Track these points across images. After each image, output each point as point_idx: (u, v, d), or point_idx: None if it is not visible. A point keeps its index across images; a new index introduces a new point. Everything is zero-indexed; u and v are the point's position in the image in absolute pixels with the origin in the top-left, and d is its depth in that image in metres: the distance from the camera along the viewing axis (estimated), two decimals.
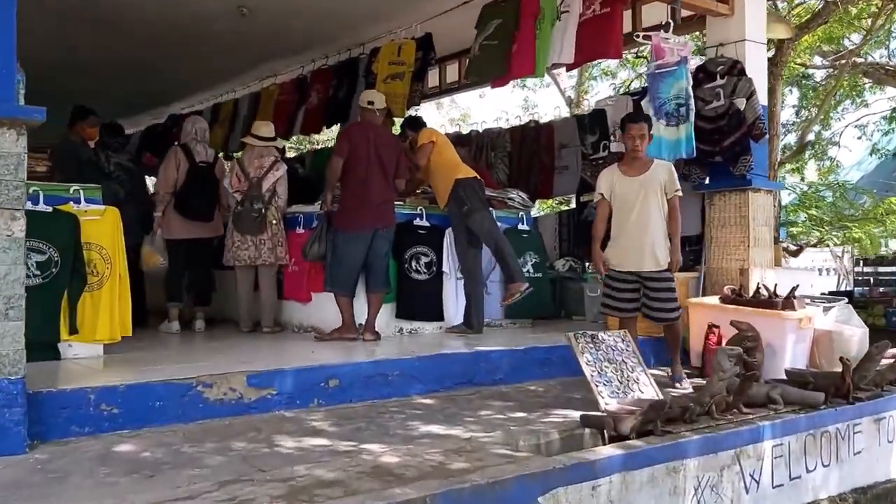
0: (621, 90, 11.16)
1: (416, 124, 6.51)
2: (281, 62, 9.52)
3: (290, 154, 14.07)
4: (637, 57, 12.08)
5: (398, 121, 7.75)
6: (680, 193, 4.72)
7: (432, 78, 9.21)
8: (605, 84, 15.31)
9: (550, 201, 12.14)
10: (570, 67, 6.59)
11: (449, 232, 6.08)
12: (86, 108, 6.48)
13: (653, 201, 4.63)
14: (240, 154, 6.34)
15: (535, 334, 5.93)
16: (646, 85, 6.44)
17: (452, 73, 9.24)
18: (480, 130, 8.78)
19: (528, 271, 6.45)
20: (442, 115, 18.58)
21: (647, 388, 4.51)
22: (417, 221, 6.03)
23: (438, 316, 6.06)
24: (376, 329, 5.56)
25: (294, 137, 11.62)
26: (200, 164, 6.24)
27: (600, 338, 4.55)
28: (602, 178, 4.83)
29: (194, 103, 11.85)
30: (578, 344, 4.44)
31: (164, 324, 6.21)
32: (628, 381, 4.46)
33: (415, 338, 5.86)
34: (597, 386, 4.32)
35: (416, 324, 5.99)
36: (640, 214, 4.64)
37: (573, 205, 8.44)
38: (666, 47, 5.90)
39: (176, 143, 6.43)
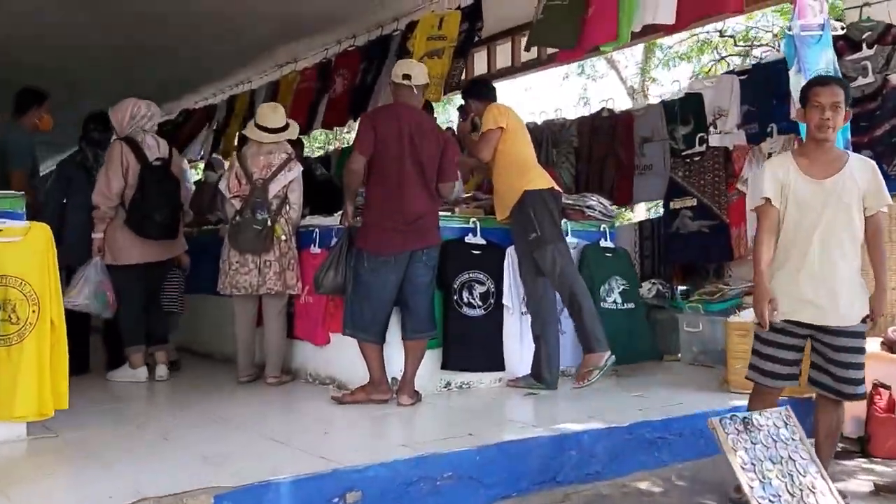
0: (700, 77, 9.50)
1: (481, 92, 4.82)
2: (303, 43, 8.09)
3: (316, 154, 12.69)
4: (723, 36, 10.39)
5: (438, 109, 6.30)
6: (886, 208, 3.11)
7: (478, 62, 7.71)
8: (679, 72, 13.13)
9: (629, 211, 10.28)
10: (669, 30, 5.04)
11: (511, 251, 4.58)
12: (39, 90, 5.11)
13: (844, 218, 3.01)
14: (243, 149, 4.88)
15: (632, 393, 4.34)
16: (767, 58, 4.89)
17: (502, 55, 7.73)
18: (539, 122, 7.24)
19: (614, 302, 4.91)
20: None
21: (826, 501, 2.96)
22: (470, 238, 4.52)
23: (498, 364, 4.54)
24: (416, 388, 4.08)
25: (319, 134, 10.22)
26: (155, 163, 4.76)
27: (756, 423, 3.01)
28: (767, 172, 3.15)
29: (207, 95, 10.50)
30: (727, 436, 2.91)
31: (123, 371, 4.81)
32: (801, 490, 2.92)
33: (468, 396, 4.34)
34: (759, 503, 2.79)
35: (469, 375, 4.49)
36: (827, 237, 3.03)
37: (660, 212, 6.85)
38: (808, 5, 4.33)
39: (116, 138, 4.87)
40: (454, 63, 6.28)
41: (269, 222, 4.59)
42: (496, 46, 7.61)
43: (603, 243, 4.98)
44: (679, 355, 5.41)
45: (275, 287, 4.63)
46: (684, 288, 5.81)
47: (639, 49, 12.59)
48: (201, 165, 11.64)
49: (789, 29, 4.15)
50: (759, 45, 10.69)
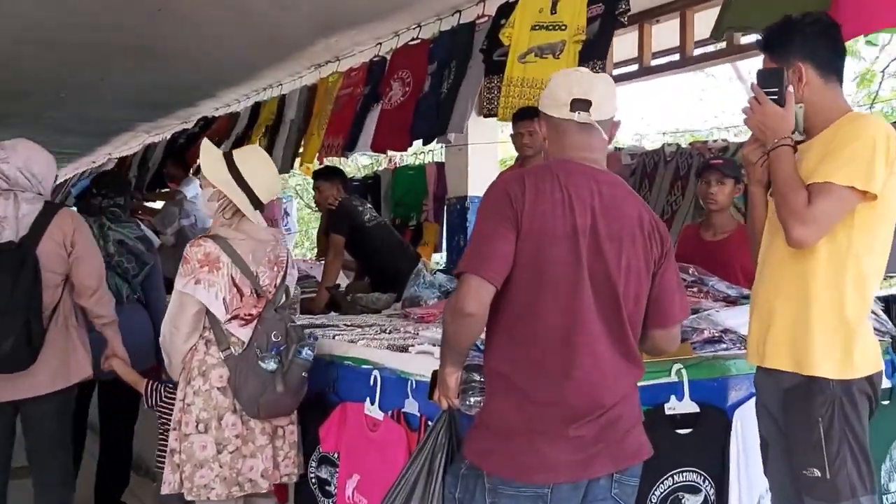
0: None
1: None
2: (348, 37, 6.03)
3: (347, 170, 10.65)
4: None
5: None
6: None
7: (620, 48, 5.12)
8: None
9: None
10: None
11: (740, 415, 2.46)
12: None
13: None
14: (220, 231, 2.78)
15: None
16: None
17: (668, 35, 5.05)
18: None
19: None
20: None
21: None
22: (673, 406, 2.40)
23: None
24: None
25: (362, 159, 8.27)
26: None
27: None
28: None
29: (230, 102, 8.51)
30: None
31: None
32: None
33: None
34: None
35: None
36: None
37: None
38: None
39: None
40: (587, 65, 4.16)
41: (289, 364, 2.59)
42: (652, 28, 5.03)
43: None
44: None
45: (291, 471, 2.67)
46: None
47: None
48: None
49: None
50: None
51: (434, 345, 2.44)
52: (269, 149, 7.08)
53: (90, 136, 10.89)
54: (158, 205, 7.17)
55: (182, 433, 2.59)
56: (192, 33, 5.82)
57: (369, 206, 5.02)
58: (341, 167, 6.33)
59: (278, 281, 2.70)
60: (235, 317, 2.59)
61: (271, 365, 2.52)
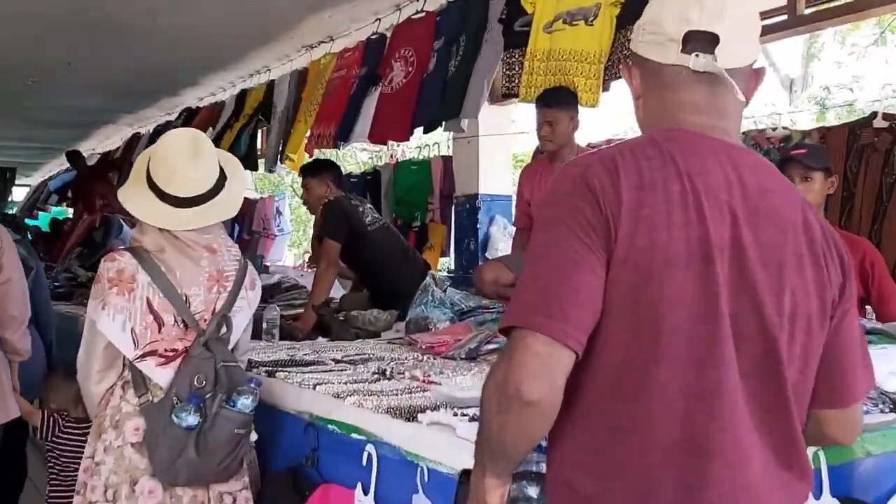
0: None
1: None
2: (343, 11, 5.26)
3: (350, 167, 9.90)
4: None
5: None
6: None
7: None
8: None
9: None
10: None
11: None
12: None
13: None
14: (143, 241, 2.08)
15: None
16: None
17: None
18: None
19: None
20: None
21: None
22: None
23: None
24: None
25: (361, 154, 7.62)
26: None
27: None
28: None
29: (215, 90, 7.74)
30: None
31: None
32: None
33: None
34: None
35: None
36: None
37: None
38: None
39: None
40: (619, 34, 3.42)
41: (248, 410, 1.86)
42: None
43: None
44: None
45: None
46: None
47: None
48: None
49: None
50: None
51: (456, 411, 1.69)
52: (254, 141, 6.35)
53: (70, 128, 10.16)
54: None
55: (86, 500, 1.92)
56: (168, 7, 5.07)
57: (369, 205, 4.22)
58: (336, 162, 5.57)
59: (217, 305, 1.97)
60: (151, 353, 1.89)
61: (188, 419, 1.81)
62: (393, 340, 3.26)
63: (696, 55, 1.17)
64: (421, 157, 6.51)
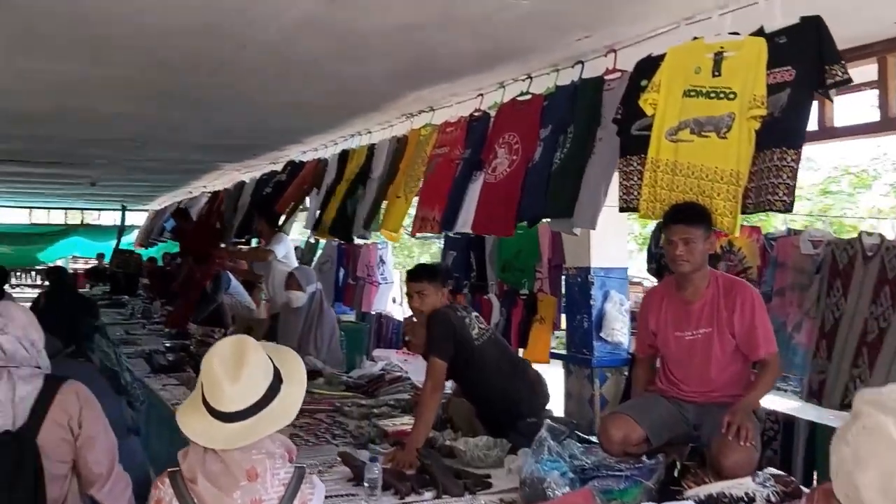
0: None
1: None
2: (440, 88, 5.00)
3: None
4: None
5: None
6: None
7: None
8: None
9: None
10: None
11: None
12: None
13: None
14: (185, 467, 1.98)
15: None
16: None
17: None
18: None
19: None
20: None
21: None
22: None
23: None
24: None
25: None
26: None
27: None
28: None
29: (317, 147, 7.67)
30: None
31: None
32: None
33: None
34: None
35: None
36: None
37: None
38: None
39: None
40: (760, 155, 3.00)
41: None
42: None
43: None
44: None
45: None
46: None
47: None
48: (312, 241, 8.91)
49: None
50: None
51: None
52: (348, 207, 6.17)
53: (175, 174, 10.43)
54: None
55: None
56: (276, 82, 4.96)
57: (475, 314, 3.94)
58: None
59: None
60: None
61: None
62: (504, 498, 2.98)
63: None
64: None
